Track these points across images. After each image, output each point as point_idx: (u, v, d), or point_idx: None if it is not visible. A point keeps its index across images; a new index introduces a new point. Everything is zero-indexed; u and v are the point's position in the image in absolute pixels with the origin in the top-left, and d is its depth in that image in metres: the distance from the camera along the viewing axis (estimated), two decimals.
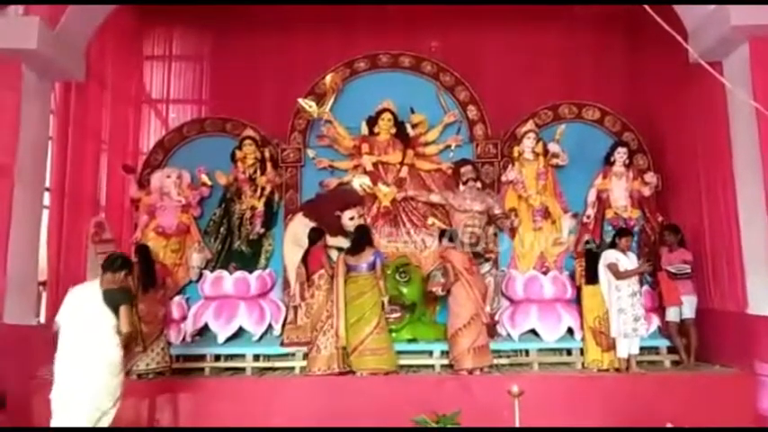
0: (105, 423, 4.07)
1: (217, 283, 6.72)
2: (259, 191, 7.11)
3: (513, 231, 7.01)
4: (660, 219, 6.99)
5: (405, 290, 6.54)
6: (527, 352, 6.48)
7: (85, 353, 4.03)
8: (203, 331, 6.69)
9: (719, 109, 6.11)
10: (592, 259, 6.25)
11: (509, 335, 6.58)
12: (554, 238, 6.92)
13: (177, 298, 6.85)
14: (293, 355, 6.39)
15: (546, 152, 7.04)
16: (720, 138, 6.14)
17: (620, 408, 5.40)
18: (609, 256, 6.08)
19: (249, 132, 7.27)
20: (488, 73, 8.06)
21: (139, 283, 5.81)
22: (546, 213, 6.91)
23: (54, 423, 4.00)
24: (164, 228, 7.01)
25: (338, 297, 6.05)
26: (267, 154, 7.18)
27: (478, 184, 6.94)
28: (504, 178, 7.15)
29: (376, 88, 7.33)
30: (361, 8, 7.87)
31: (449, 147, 7.24)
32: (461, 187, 6.89)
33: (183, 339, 6.61)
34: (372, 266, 6.18)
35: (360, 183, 7.06)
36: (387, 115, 7.15)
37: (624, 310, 5.91)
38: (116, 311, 4.19)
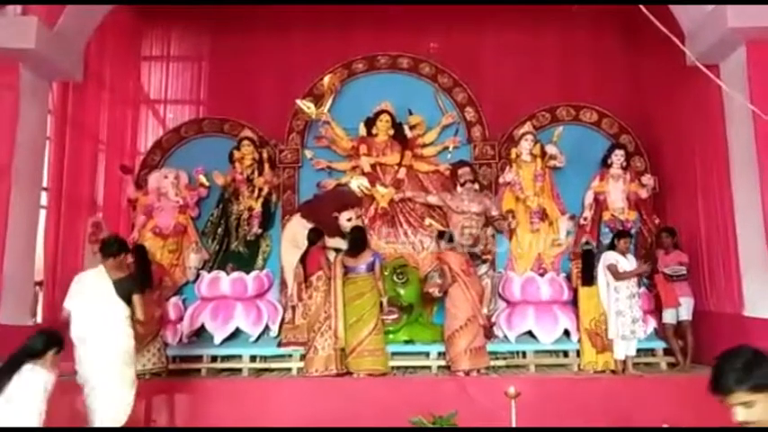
0: (126, 412, 4.24)
1: (214, 284, 6.72)
2: (257, 191, 7.11)
3: (510, 233, 7.02)
4: (657, 221, 7.00)
5: (402, 291, 6.55)
6: (524, 353, 6.49)
7: (99, 344, 4.14)
8: (200, 332, 6.68)
9: (716, 111, 6.12)
10: (588, 261, 6.26)
11: (506, 336, 6.58)
12: (551, 240, 6.93)
13: (174, 298, 6.84)
14: (290, 355, 6.39)
15: (543, 154, 7.05)
16: (717, 140, 6.15)
17: (617, 409, 5.40)
18: (608, 257, 6.09)
19: (247, 133, 7.27)
20: (486, 75, 8.08)
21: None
22: (543, 215, 6.92)
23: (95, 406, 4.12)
24: (161, 228, 7.00)
25: (337, 298, 6.04)
26: (265, 155, 7.18)
27: (476, 186, 6.95)
28: (501, 180, 7.16)
29: (374, 89, 7.34)
30: (359, 9, 7.87)
31: (447, 148, 7.25)
32: (459, 189, 6.90)
33: (180, 340, 6.60)
34: (371, 267, 6.18)
35: (357, 184, 7.05)
36: (385, 116, 7.16)
37: (623, 311, 5.92)
38: (128, 301, 4.29)
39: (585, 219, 7.02)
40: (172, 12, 8.19)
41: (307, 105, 7.15)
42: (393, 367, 6.20)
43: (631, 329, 5.90)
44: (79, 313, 4.24)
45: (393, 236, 7.10)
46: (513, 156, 7.11)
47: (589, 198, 7.08)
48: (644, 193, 7.01)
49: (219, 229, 7.20)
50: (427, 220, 7.05)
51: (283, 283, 6.88)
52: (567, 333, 6.48)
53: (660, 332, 6.47)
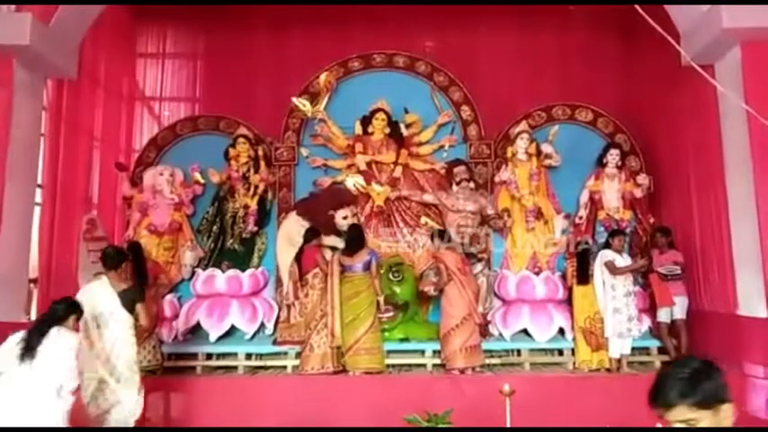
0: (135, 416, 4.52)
1: (209, 282, 6.71)
2: (252, 189, 7.10)
3: (505, 232, 7.04)
4: (652, 220, 7.03)
5: (397, 289, 6.55)
6: (518, 352, 6.51)
7: (107, 353, 4.43)
8: (195, 329, 6.68)
9: (711, 111, 6.15)
10: (584, 260, 6.28)
11: (501, 335, 6.60)
12: (546, 239, 6.95)
13: (169, 296, 6.83)
14: (285, 353, 6.39)
15: (539, 153, 7.06)
16: (712, 140, 6.18)
17: (611, 408, 5.42)
18: (605, 255, 6.14)
19: (243, 131, 7.26)
20: (482, 73, 8.08)
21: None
22: (538, 214, 6.94)
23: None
24: (156, 226, 6.98)
25: (333, 297, 6.05)
26: (261, 152, 7.17)
27: (472, 185, 6.96)
28: (497, 179, 7.17)
29: (370, 88, 7.33)
30: (355, 7, 7.86)
31: (442, 147, 7.25)
32: (455, 187, 6.91)
33: (175, 337, 6.59)
34: (368, 266, 6.19)
35: (353, 182, 7.05)
36: (381, 115, 7.15)
37: (619, 309, 5.95)
38: (132, 309, 4.62)
39: (581, 218, 7.05)
40: (167, 9, 8.16)
41: (302, 103, 7.15)
42: (388, 365, 6.21)
43: (627, 327, 5.94)
44: (86, 324, 4.41)
45: (389, 234, 7.10)
46: (509, 154, 7.12)
47: (584, 197, 7.10)
48: (639, 193, 7.03)
49: (215, 227, 7.19)
50: (423, 219, 7.05)
51: (279, 281, 6.87)
52: (561, 332, 6.50)
53: (654, 331, 6.50)
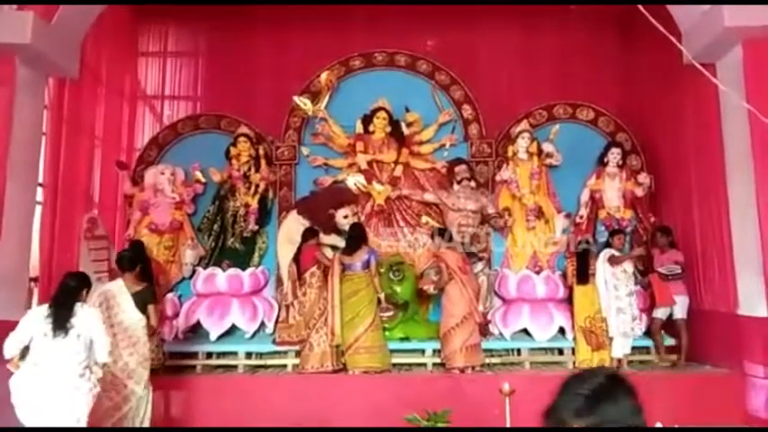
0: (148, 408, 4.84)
1: (210, 280, 6.71)
2: (253, 188, 7.10)
3: (506, 231, 7.03)
4: (653, 219, 7.02)
5: (398, 288, 6.55)
6: (519, 351, 6.51)
7: (120, 351, 4.67)
8: (195, 328, 6.68)
9: (712, 110, 6.13)
10: (584, 260, 6.28)
11: (501, 334, 6.59)
12: (547, 238, 6.94)
13: (170, 295, 6.83)
14: (285, 352, 6.39)
15: (540, 152, 7.05)
16: (713, 139, 6.16)
17: None
18: (607, 252, 6.14)
19: (244, 129, 7.26)
20: (483, 72, 8.07)
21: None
22: (539, 213, 6.93)
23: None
24: (157, 224, 6.99)
25: (333, 296, 6.05)
26: (262, 151, 7.17)
27: (472, 184, 6.95)
28: (498, 178, 7.17)
29: (371, 86, 7.33)
30: (356, 6, 7.86)
31: (443, 146, 7.25)
32: (455, 186, 6.91)
33: (176, 336, 6.60)
34: (367, 265, 6.20)
35: (354, 181, 7.05)
36: (382, 114, 7.15)
37: (623, 309, 5.96)
38: (144, 310, 4.90)
39: (581, 217, 7.04)
40: (169, 8, 8.16)
41: (303, 102, 7.15)
42: (390, 364, 6.21)
43: (631, 327, 5.95)
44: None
45: (389, 233, 7.10)
46: (510, 153, 7.12)
47: (585, 196, 7.09)
48: (640, 192, 7.02)
49: (215, 226, 7.19)
50: (424, 218, 7.06)
51: (279, 280, 6.87)
52: (562, 331, 6.49)
53: (648, 326, 6.45)
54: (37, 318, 3.86)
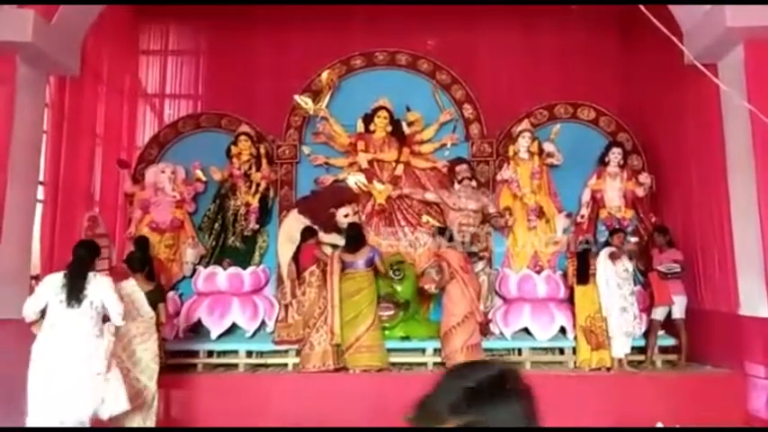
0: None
1: (210, 279, 6.71)
2: (254, 187, 7.10)
3: (507, 230, 7.03)
4: (654, 219, 7.01)
5: (399, 287, 6.55)
6: (519, 351, 6.51)
7: (133, 348, 4.86)
8: (196, 327, 6.67)
9: (714, 110, 6.13)
10: (584, 259, 6.27)
11: (502, 333, 6.59)
12: (548, 238, 6.94)
13: (171, 293, 6.81)
14: (286, 351, 6.39)
15: (541, 151, 7.05)
16: (714, 139, 6.16)
17: (612, 407, 5.43)
18: (607, 249, 6.15)
19: (245, 128, 7.26)
20: (484, 72, 8.07)
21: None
22: (540, 213, 6.92)
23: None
24: (158, 223, 6.99)
25: (333, 294, 6.05)
26: (262, 150, 7.17)
27: (473, 183, 6.95)
28: (499, 177, 7.16)
29: (372, 86, 7.33)
30: (357, 5, 7.86)
31: (444, 145, 7.25)
32: (456, 186, 6.90)
33: (176, 335, 6.59)
34: (370, 263, 6.22)
35: (355, 180, 7.06)
36: (383, 113, 7.15)
37: (626, 308, 5.95)
38: (154, 308, 5.08)
39: (582, 217, 7.03)
40: (170, 6, 8.16)
41: (304, 101, 7.15)
42: (389, 363, 6.22)
43: (632, 326, 5.94)
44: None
45: (390, 232, 7.10)
46: (511, 153, 7.12)
47: (586, 196, 7.09)
48: (641, 192, 7.02)
49: (216, 225, 7.19)
50: (425, 218, 7.05)
51: (280, 279, 6.87)
52: (563, 330, 6.49)
53: (647, 327, 6.43)
54: (53, 285, 4.17)
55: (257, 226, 7.05)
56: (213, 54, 8.88)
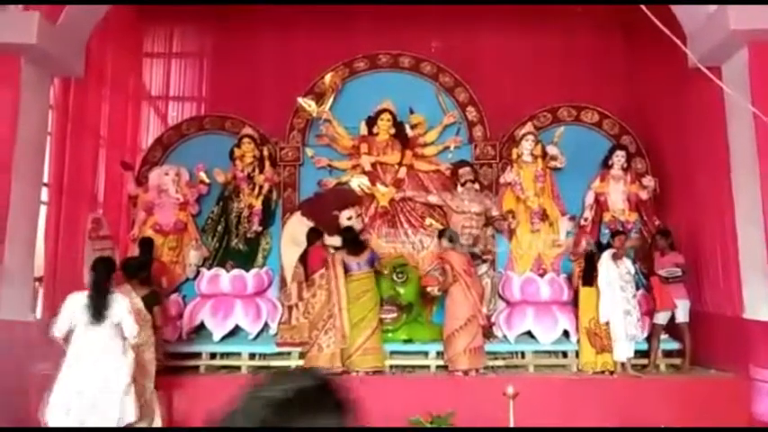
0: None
1: (213, 281, 6.71)
2: (257, 189, 7.11)
3: (510, 233, 7.02)
4: (657, 222, 6.99)
5: (401, 290, 6.54)
6: (523, 354, 6.49)
7: (143, 355, 4.98)
8: (199, 329, 6.68)
9: (718, 113, 6.11)
10: (591, 261, 6.25)
11: (505, 336, 6.58)
12: (551, 241, 6.93)
13: (174, 295, 6.84)
14: (289, 353, 6.39)
15: (544, 154, 7.05)
16: (718, 142, 6.14)
17: (615, 411, 5.41)
18: (609, 251, 6.13)
19: (248, 131, 7.27)
20: (488, 75, 8.06)
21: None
22: (544, 215, 6.91)
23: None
24: (161, 225, 6.99)
25: (340, 297, 6.05)
26: (266, 152, 7.18)
27: (477, 186, 6.94)
28: (502, 180, 7.15)
29: (375, 88, 7.33)
30: (361, 8, 7.87)
31: (447, 148, 7.24)
32: (459, 188, 6.90)
33: (180, 337, 6.60)
34: (372, 262, 6.22)
35: (358, 183, 7.06)
36: (386, 115, 7.15)
37: (630, 311, 5.92)
38: (150, 311, 5.17)
39: (586, 219, 7.02)
40: (174, 8, 8.18)
41: (308, 103, 7.16)
42: (392, 366, 6.22)
43: (635, 329, 5.92)
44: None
45: (393, 235, 7.10)
46: (514, 156, 7.11)
47: (590, 199, 7.07)
48: (644, 195, 7.00)
49: (219, 227, 7.20)
50: (428, 220, 7.05)
51: (283, 281, 6.87)
52: (566, 334, 6.47)
53: (649, 331, 6.40)
54: (78, 305, 4.38)
55: (260, 228, 7.05)
56: (217, 56, 8.89)
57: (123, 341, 4.51)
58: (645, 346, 6.30)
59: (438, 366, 6.22)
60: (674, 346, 6.43)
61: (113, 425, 4.33)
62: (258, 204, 7.04)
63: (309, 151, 7.30)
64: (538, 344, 6.46)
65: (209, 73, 8.93)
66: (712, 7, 5.82)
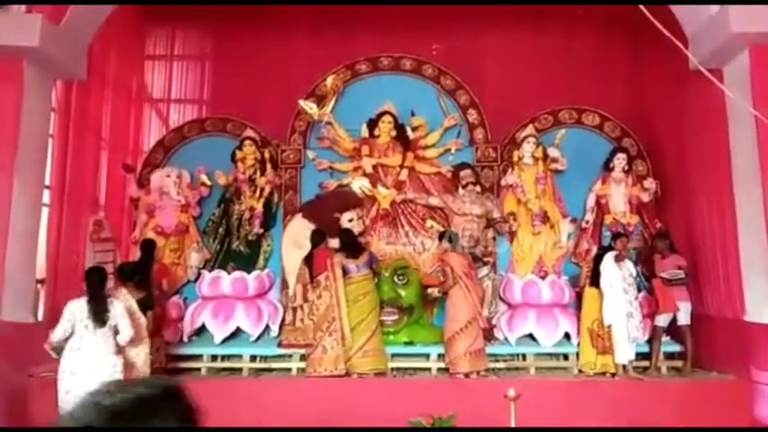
0: None
1: (215, 283, 6.71)
2: (258, 191, 7.12)
3: (511, 235, 7.02)
4: (659, 225, 6.98)
5: (402, 292, 6.54)
6: (524, 356, 6.49)
7: (130, 352, 5.02)
8: (200, 331, 6.68)
9: (719, 115, 6.10)
10: (599, 262, 6.23)
11: (506, 339, 6.57)
12: (552, 243, 6.93)
13: (175, 297, 6.84)
14: (290, 356, 6.39)
15: (545, 157, 7.05)
16: (720, 144, 6.13)
17: (617, 413, 5.40)
18: (611, 253, 6.11)
19: (249, 133, 7.28)
20: (489, 77, 8.06)
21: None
22: (545, 218, 6.91)
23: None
24: (163, 227, 7.00)
25: (340, 300, 6.05)
26: (267, 155, 7.19)
27: (478, 188, 6.95)
28: (503, 182, 7.15)
29: (377, 91, 7.35)
30: (362, 10, 7.86)
31: (449, 150, 7.25)
32: (461, 191, 6.91)
33: (181, 339, 6.60)
34: (370, 265, 6.22)
35: (359, 185, 7.06)
36: (387, 118, 7.16)
37: (632, 313, 5.91)
38: (145, 315, 5.27)
39: (587, 222, 7.02)
40: (176, 11, 8.18)
41: (309, 106, 7.16)
42: (393, 368, 6.22)
43: (638, 331, 5.92)
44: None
45: (394, 237, 7.10)
46: (515, 158, 7.11)
47: (591, 201, 7.07)
48: (646, 197, 7.00)
49: (221, 229, 7.21)
50: (429, 222, 7.05)
51: (284, 283, 6.87)
52: (567, 336, 6.47)
53: (650, 334, 6.39)
54: (78, 311, 4.62)
55: (262, 230, 7.06)
56: (218, 59, 8.90)
57: (116, 342, 4.72)
58: (646, 349, 6.29)
59: (439, 369, 6.22)
60: (676, 348, 6.43)
61: None
62: (259, 207, 7.05)
63: (311, 153, 7.31)
64: (539, 346, 6.46)
65: (210, 75, 8.92)
66: (714, 8, 5.82)
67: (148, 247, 6.42)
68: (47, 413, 4.19)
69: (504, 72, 8.19)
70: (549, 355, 6.54)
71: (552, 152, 7.10)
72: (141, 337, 5.13)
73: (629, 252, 6.38)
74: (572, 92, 7.85)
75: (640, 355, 6.18)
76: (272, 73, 8.34)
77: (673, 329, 6.38)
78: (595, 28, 8.16)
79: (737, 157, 5.94)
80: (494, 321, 6.70)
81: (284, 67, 8.32)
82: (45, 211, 6.54)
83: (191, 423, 1.07)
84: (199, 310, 6.66)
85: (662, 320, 6.26)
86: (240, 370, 6.35)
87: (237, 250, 7.07)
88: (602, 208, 7.04)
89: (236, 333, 6.61)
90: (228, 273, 6.79)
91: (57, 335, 4.63)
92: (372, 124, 7.22)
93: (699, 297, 6.45)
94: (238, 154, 7.18)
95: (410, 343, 6.50)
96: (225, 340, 6.53)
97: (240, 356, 6.46)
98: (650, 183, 7.03)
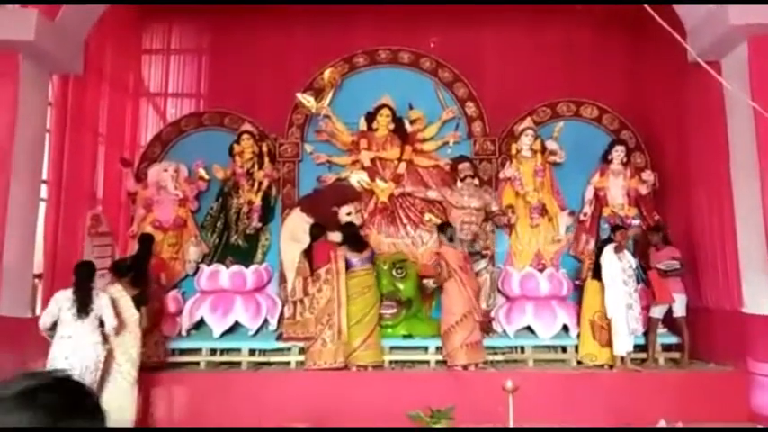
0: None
1: (213, 277, 6.72)
2: (256, 185, 7.11)
3: (510, 228, 7.02)
4: (657, 217, 6.99)
5: (401, 285, 6.54)
6: (522, 348, 6.50)
7: (126, 346, 5.14)
8: (199, 325, 6.69)
9: (717, 108, 6.10)
10: (600, 255, 6.23)
11: (504, 331, 6.59)
12: (551, 236, 6.93)
13: (173, 291, 6.84)
14: (289, 349, 6.39)
15: (544, 149, 7.04)
16: (718, 136, 6.14)
17: (615, 405, 5.42)
18: (611, 245, 6.11)
19: (247, 127, 7.27)
20: (487, 70, 8.04)
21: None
22: (543, 211, 6.91)
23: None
24: (161, 221, 7.00)
25: (340, 293, 6.05)
26: (265, 148, 7.17)
27: (476, 181, 6.95)
28: (501, 175, 7.16)
29: (375, 84, 7.33)
30: (360, 4, 7.84)
31: (447, 143, 7.24)
32: (459, 184, 6.90)
33: (179, 333, 6.60)
34: (371, 258, 6.23)
35: (357, 178, 7.05)
36: (385, 111, 7.15)
37: (632, 305, 5.93)
38: (138, 310, 5.32)
39: (585, 215, 7.02)
40: (173, 5, 8.14)
41: (307, 99, 7.15)
42: (392, 361, 6.24)
43: (637, 323, 5.93)
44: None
45: (392, 231, 7.11)
46: (514, 151, 7.11)
47: (589, 194, 7.07)
48: (644, 190, 7.00)
49: (219, 223, 7.20)
50: (427, 216, 7.05)
51: (282, 277, 6.88)
52: (565, 328, 6.49)
53: (645, 326, 6.39)
54: (64, 300, 4.85)
55: (260, 224, 7.05)
56: (216, 52, 8.86)
57: (102, 333, 4.93)
58: (643, 341, 6.31)
59: (437, 361, 6.24)
60: (673, 340, 6.45)
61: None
62: (257, 200, 7.04)
63: (308, 147, 7.29)
64: (537, 338, 6.48)
65: (207, 69, 8.89)
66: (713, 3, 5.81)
67: (146, 241, 6.43)
68: None
69: (502, 65, 8.16)
70: (548, 347, 6.55)
71: (550, 145, 7.10)
72: (130, 330, 5.18)
73: (629, 242, 6.37)
74: (571, 84, 7.83)
75: (638, 347, 6.20)
76: (269, 66, 8.31)
77: (669, 321, 6.40)
78: (594, 21, 8.13)
79: (736, 150, 5.94)
80: (492, 314, 6.71)
81: (282, 60, 8.29)
82: (42, 206, 6.53)
83: (73, 415, 0.98)
84: (197, 304, 6.66)
85: (657, 312, 6.27)
86: (239, 364, 6.36)
87: (236, 244, 7.07)
88: (600, 200, 7.04)
89: (235, 327, 6.62)
90: (227, 267, 6.79)
91: (43, 320, 4.89)
92: (370, 117, 7.21)
93: (697, 289, 6.46)
94: (236, 148, 7.17)
95: (409, 336, 6.51)
96: (223, 334, 6.54)
97: (239, 350, 6.47)
98: (648, 175, 7.03)
